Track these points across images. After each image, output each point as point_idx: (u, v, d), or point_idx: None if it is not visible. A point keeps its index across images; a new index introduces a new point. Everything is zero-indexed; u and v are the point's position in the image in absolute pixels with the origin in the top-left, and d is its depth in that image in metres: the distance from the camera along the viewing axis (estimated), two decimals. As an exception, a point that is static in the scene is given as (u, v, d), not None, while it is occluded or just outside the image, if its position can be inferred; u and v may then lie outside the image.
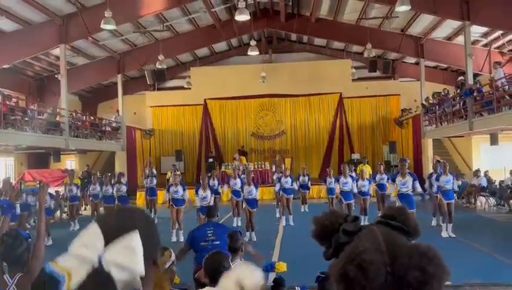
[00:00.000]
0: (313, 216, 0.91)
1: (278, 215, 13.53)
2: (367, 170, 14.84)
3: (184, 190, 10.98)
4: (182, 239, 10.14)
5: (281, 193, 12.78)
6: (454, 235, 9.63)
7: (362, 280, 0.73)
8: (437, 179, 10.35)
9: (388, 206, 0.89)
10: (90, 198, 14.19)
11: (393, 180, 9.45)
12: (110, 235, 0.90)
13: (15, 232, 2.80)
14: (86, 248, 0.89)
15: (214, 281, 2.99)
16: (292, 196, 12.81)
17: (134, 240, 0.90)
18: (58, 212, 16.16)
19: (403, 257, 0.76)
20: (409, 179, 9.01)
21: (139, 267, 0.89)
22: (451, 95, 16.87)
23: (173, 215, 10.80)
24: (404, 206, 0.89)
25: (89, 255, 0.88)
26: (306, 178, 14.63)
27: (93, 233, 0.91)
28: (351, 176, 11.43)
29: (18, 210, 11.54)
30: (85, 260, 0.87)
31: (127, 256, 0.89)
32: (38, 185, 3.18)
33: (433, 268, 0.75)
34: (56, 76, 17.91)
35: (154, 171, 15.57)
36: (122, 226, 0.92)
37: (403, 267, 0.75)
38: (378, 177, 12.87)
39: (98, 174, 19.36)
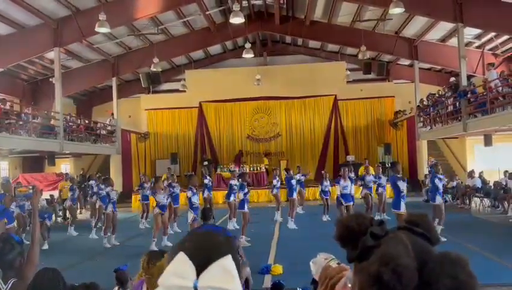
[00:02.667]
0: (336, 218, 0.92)
1: (275, 217, 13.49)
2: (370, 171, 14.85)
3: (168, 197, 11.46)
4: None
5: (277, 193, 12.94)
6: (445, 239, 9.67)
7: (396, 284, 0.73)
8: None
9: (410, 212, 0.89)
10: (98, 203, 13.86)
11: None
12: (202, 262, 0.90)
13: (5, 236, 2.76)
14: (179, 277, 0.89)
15: None
16: (295, 197, 12.98)
17: (229, 263, 0.92)
18: (53, 217, 16.07)
19: (434, 264, 0.76)
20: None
21: (237, 287, 0.90)
22: (448, 94, 16.95)
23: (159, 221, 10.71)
24: (426, 213, 0.89)
25: (183, 284, 0.88)
26: (302, 177, 14.84)
27: (182, 261, 0.91)
28: (350, 178, 11.42)
29: (15, 212, 11.57)
30: (180, 289, 0.88)
31: (225, 279, 0.89)
32: (31, 191, 3.16)
33: (465, 277, 0.75)
34: (50, 79, 17.85)
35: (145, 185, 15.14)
36: (212, 252, 0.93)
37: (434, 275, 0.75)
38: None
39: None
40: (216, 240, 0.99)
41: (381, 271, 0.74)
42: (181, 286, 0.88)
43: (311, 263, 1.16)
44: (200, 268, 0.89)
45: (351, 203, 11.05)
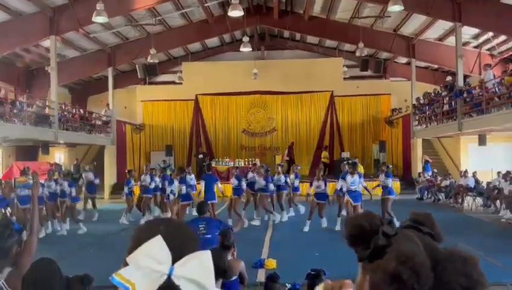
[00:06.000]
0: (346, 218, 0.91)
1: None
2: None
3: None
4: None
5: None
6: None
7: (415, 283, 0.73)
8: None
9: (414, 211, 0.90)
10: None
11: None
12: (177, 250, 0.91)
13: (5, 222, 2.72)
14: (153, 259, 0.89)
15: None
16: (285, 191, 12.77)
17: (207, 258, 0.93)
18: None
19: (446, 262, 0.77)
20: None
21: (211, 283, 0.91)
22: (444, 94, 17.01)
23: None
24: (430, 212, 0.90)
25: (158, 269, 0.88)
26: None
27: (160, 246, 0.91)
28: (358, 173, 10.81)
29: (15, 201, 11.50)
30: (153, 273, 0.88)
31: (201, 272, 0.90)
32: (31, 180, 3.13)
33: (477, 275, 0.76)
34: (46, 68, 17.71)
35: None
36: (188, 243, 0.95)
37: (447, 272, 0.76)
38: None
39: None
40: (189, 230, 1.01)
41: (400, 270, 0.74)
42: (156, 270, 0.88)
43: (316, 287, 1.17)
44: (175, 256, 0.89)
45: (359, 203, 10.28)
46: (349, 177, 10.40)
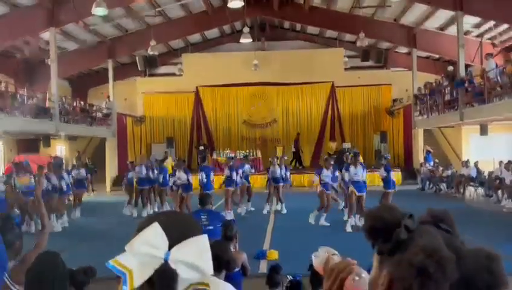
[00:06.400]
0: (368, 209, 0.91)
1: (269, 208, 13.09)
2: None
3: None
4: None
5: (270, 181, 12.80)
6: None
7: (440, 276, 0.73)
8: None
9: (431, 208, 0.89)
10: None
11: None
12: (175, 236, 0.92)
13: (6, 215, 2.74)
14: (149, 245, 0.90)
15: (215, 269, 3.00)
16: (282, 184, 12.70)
17: (204, 241, 0.94)
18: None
19: (468, 258, 0.76)
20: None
21: (209, 267, 0.92)
22: (445, 83, 16.94)
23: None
24: (447, 209, 0.89)
25: (155, 253, 0.89)
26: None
27: (156, 232, 0.91)
28: (361, 164, 10.71)
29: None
30: (149, 258, 0.88)
31: (198, 256, 0.91)
32: (32, 180, 3.11)
33: (500, 272, 0.76)
34: (46, 60, 17.65)
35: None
36: (185, 229, 0.95)
37: (470, 269, 0.75)
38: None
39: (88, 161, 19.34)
40: (192, 220, 1.02)
41: (426, 263, 0.74)
42: (151, 254, 0.88)
43: (313, 256, 1.16)
44: (172, 242, 0.90)
45: (364, 193, 10.17)
46: (352, 168, 10.32)
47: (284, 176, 12.78)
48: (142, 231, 0.92)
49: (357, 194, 10.12)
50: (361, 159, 12.10)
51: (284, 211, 12.58)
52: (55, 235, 9.93)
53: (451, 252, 0.76)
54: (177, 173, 11.48)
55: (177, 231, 0.93)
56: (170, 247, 0.90)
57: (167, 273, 0.87)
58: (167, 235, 0.90)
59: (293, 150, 21.46)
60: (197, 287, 0.92)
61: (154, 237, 0.90)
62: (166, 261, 0.88)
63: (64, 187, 11.20)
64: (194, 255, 0.90)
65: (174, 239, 0.91)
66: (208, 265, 0.92)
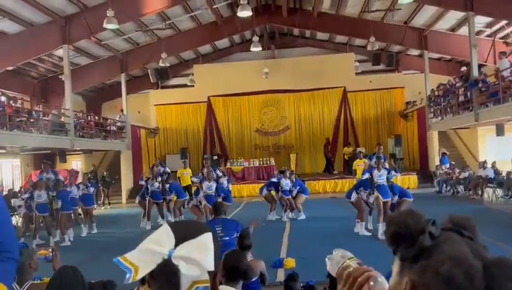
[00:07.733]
0: (388, 216, 0.89)
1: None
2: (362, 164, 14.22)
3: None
4: None
5: (280, 194, 12.70)
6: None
7: (468, 286, 0.72)
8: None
9: (453, 215, 0.87)
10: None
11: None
12: (182, 236, 0.95)
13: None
14: (156, 243, 0.93)
15: (232, 280, 3.00)
16: (287, 196, 12.58)
17: (208, 239, 0.97)
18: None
19: (494, 267, 0.75)
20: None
21: (210, 263, 0.94)
22: (458, 84, 16.74)
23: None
24: (470, 216, 0.87)
25: (159, 250, 0.92)
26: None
27: (164, 231, 0.96)
28: (385, 168, 10.21)
29: (22, 211, 11.73)
30: (154, 254, 0.92)
31: (199, 252, 0.94)
32: (50, 253, 3.12)
33: None
34: (60, 77, 17.94)
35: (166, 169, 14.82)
36: (194, 231, 0.98)
37: (496, 278, 0.73)
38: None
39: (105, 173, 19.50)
40: (201, 226, 1.04)
41: (454, 272, 0.72)
42: (155, 251, 0.92)
43: (327, 259, 1.15)
44: (179, 241, 0.93)
45: (389, 199, 9.74)
46: (375, 172, 9.98)
47: (299, 188, 12.76)
48: (154, 233, 0.97)
49: (383, 200, 9.72)
50: (387, 164, 11.62)
51: (303, 217, 12.55)
52: (73, 249, 10.03)
53: (477, 260, 0.75)
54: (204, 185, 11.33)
55: (186, 232, 0.96)
56: (176, 245, 0.93)
57: (168, 267, 0.90)
58: (175, 235, 0.94)
59: (329, 155, 21.67)
60: (200, 285, 0.94)
61: (162, 236, 0.94)
62: (169, 257, 0.91)
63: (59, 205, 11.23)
64: (196, 251, 0.93)
65: (181, 239, 0.94)
66: (209, 260, 0.94)
